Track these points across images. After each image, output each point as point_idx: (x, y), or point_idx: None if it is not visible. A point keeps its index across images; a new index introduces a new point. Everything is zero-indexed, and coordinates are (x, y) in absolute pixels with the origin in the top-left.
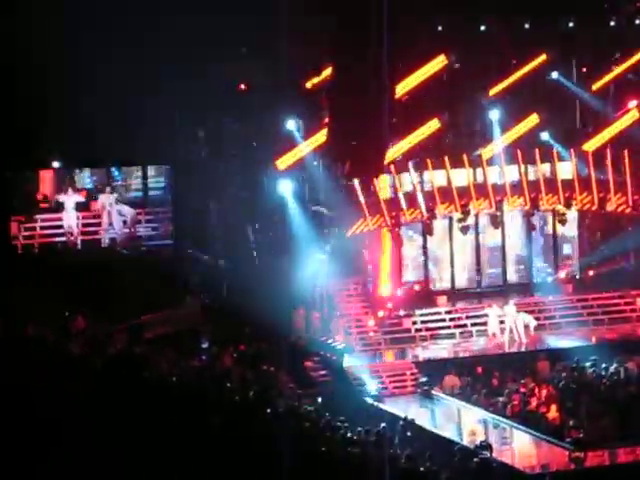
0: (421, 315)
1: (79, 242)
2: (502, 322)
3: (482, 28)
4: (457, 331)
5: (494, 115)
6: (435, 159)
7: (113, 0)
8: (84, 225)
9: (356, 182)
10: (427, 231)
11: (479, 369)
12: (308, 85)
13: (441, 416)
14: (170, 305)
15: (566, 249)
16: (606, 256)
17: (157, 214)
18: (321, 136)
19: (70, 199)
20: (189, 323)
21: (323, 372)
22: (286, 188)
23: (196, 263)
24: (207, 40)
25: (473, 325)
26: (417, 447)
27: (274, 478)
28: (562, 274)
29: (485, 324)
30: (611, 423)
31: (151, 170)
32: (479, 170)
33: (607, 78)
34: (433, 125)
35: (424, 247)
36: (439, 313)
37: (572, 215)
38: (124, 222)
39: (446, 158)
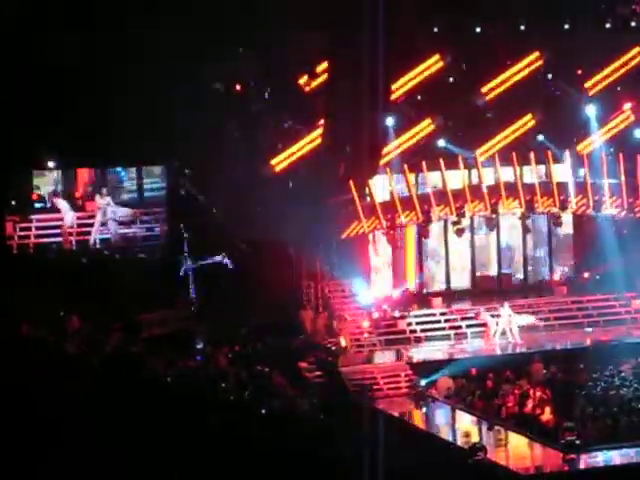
0: (416, 316)
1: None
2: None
3: (477, 29)
4: (452, 332)
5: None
6: (430, 161)
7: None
8: (79, 225)
9: (351, 184)
10: (423, 234)
11: (473, 371)
12: (304, 86)
13: (435, 417)
14: (165, 305)
15: (561, 251)
16: (601, 258)
17: (152, 215)
18: (317, 137)
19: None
20: (184, 323)
21: (318, 373)
22: (283, 188)
23: (192, 263)
24: (204, 40)
25: (468, 327)
26: (411, 448)
27: (269, 478)
28: (557, 276)
29: (480, 325)
30: (605, 425)
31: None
32: (474, 173)
33: (602, 80)
34: (426, 126)
35: (419, 249)
36: (434, 314)
37: (567, 217)
38: (119, 223)
39: (441, 160)
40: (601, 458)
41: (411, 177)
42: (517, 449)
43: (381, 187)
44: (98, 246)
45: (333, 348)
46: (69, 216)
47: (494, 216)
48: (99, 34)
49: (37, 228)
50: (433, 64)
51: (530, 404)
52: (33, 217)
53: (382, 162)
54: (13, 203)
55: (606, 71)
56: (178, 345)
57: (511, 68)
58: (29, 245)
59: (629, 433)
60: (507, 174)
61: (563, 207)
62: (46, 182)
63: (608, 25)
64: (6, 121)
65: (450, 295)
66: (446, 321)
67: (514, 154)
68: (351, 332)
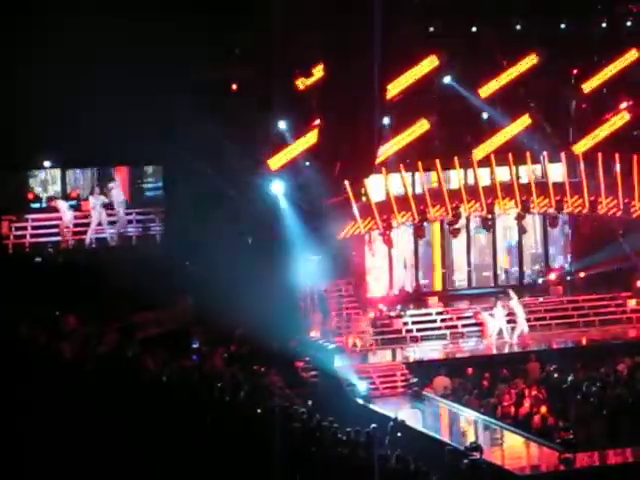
0: (412, 316)
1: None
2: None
3: (473, 29)
4: (448, 332)
5: (485, 116)
6: (426, 161)
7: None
8: (75, 225)
9: (347, 184)
10: (418, 234)
11: (469, 370)
12: (300, 86)
13: (431, 417)
14: (161, 305)
15: (557, 251)
16: (597, 258)
17: (148, 214)
18: (312, 137)
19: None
20: (180, 323)
21: (314, 373)
22: (278, 188)
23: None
24: (201, 40)
25: (464, 326)
26: (407, 448)
27: (265, 478)
28: (552, 276)
29: (476, 325)
30: (601, 425)
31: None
32: (470, 173)
33: (598, 79)
34: (422, 126)
35: (415, 249)
36: (430, 314)
37: (563, 218)
38: (113, 222)
39: (437, 160)
40: (597, 457)
41: (407, 177)
42: (513, 449)
43: (377, 187)
44: (94, 246)
45: (330, 347)
46: (68, 216)
47: (490, 216)
48: (97, 33)
49: (33, 228)
50: (429, 64)
51: (526, 403)
52: (29, 217)
53: (378, 162)
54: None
55: (602, 71)
56: (174, 345)
57: (507, 68)
58: (25, 245)
59: (625, 433)
60: (503, 174)
61: (559, 207)
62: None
63: (604, 25)
64: (2, 120)
65: (446, 295)
66: (442, 320)
67: (510, 154)
68: (349, 332)
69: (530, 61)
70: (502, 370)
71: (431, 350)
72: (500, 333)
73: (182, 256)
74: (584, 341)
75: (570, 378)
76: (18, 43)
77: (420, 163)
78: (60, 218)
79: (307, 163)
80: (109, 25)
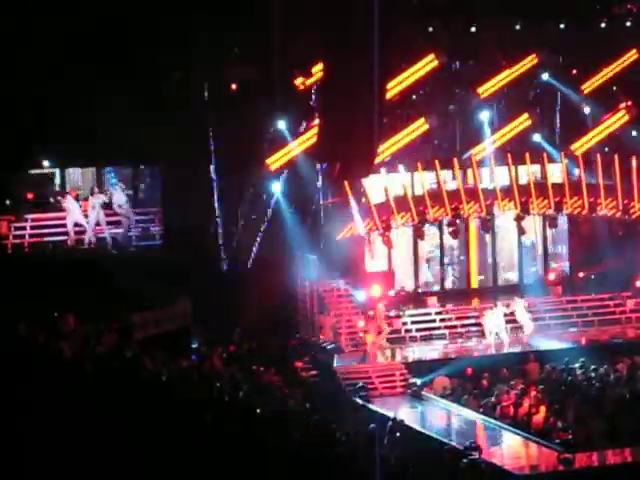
0: (411, 316)
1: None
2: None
3: (473, 29)
4: (447, 332)
5: (484, 116)
6: (425, 161)
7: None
8: (75, 224)
9: (346, 184)
10: (418, 235)
11: (469, 370)
12: (300, 86)
13: (430, 417)
14: (160, 305)
15: (556, 251)
16: (596, 259)
17: (147, 214)
18: (312, 136)
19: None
20: (179, 323)
21: (313, 372)
22: (278, 188)
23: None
24: (200, 40)
25: (463, 326)
26: (406, 448)
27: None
28: (552, 276)
29: (475, 325)
30: (600, 425)
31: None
32: (469, 174)
33: (597, 79)
34: (420, 125)
35: (415, 249)
36: (429, 314)
37: (562, 218)
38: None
39: (436, 161)
40: (596, 458)
41: (407, 177)
42: (512, 449)
43: (376, 188)
44: (93, 246)
45: (328, 347)
46: (76, 213)
47: (489, 217)
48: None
49: (32, 227)
50: (428, 63)
51: (525, 403)
52: (28, 217)
53: (377, 161)
54: (7, 202)
55: (602, 71)
56: (173, 345)
57: (507, 68)
58: (24, 245)
59: (624, 432)
60: (502, 174)
61: (558, 208)
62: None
63: (603, 25)
64: (2, 120)
65: (445, 295)
66: (441, 320)
67: (509, 155)
68: (353, 331)
69: (530, 61)
70: (501, 370)
71: (430, 350)
72: (499, 333)
73: (181, 256)
74: (583, 341)
75: (569, 378)
76: (18, 43)
77: (419, 163)
78: (63, 218)
79: (306, 163)
80: (109, 25)
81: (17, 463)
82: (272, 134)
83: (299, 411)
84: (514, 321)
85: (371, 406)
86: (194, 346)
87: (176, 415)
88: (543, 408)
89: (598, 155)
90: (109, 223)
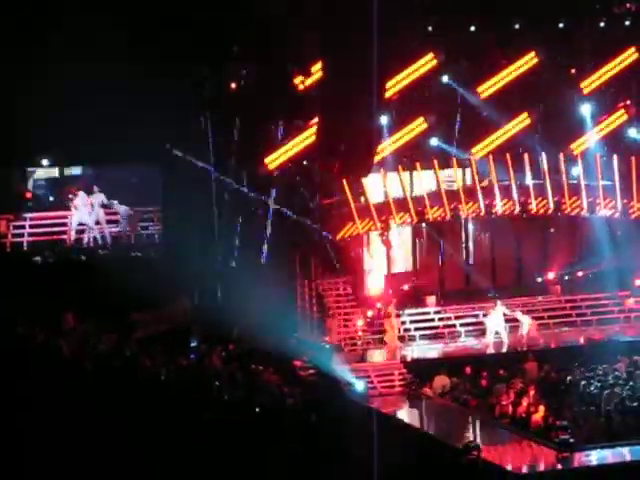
0: (410, 315)
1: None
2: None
3: (472, 28)
4: (446, 331)
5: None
6: (424, 161)
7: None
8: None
9: (345, 184)
10: (416, 235)
11: (468, 369)
12: (299, 85)
13: (430, 416)
14: (160, 304)
15: (555, 251)
16: (595, 258)
17: (147, 213)
18: (311, 135)
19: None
20: (179, 322)
21: (312, 371)
22: (277, 188)
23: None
24: (201, 40)
25: (462, 325)
26: (405, 447)
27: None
28: (551, 275)
29: (473, 324)
30: (599, 424)
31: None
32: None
33: (596, 79)
34: (419, 125)
35: (414, 249)
36: (428, 313)
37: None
38: (112, 222)
39: (435, 161)
40: (595, 457)
41: (405, 177)
42: (511, 448)
43: (376, 188)
44: (92, 245)
45: (328, 346)
46: (83, 213)
47: (488, 217)
48: (94, 34)
49: (31, 226)
50: (426, 63)
51: (524, 403)
52: (27, 215)
53: (376, 161)
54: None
55: (601, 70)
56: (172, 344)
57: (506, 67)
58: (23, 244)
59: (623, 432)
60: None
61: (557, 208)
62: None
63: (602, 24)
64: (2, 120)
65: (443, 294)
66: (440, 320)
67: (508, 155)
68: (354, 330)
69: (529, 60)
70: (500, 369)
71: (429, 349)
72: (498, 333)
73: (181, 256)
74: (582, 340)
75: (568, 377)
76: (18, 43)
77: (418, 164)
78: (62, 217)
79: (305, 162)
80: (109, 24)
81: (16, 461)
82: (272, 133)
83: (297, 410)
84: (514, 320)
85: (370, 405)
86: (193, 345)
87: (175, 413)
88: (542, 407)
89: (597, 155)
90: (109, 222)
